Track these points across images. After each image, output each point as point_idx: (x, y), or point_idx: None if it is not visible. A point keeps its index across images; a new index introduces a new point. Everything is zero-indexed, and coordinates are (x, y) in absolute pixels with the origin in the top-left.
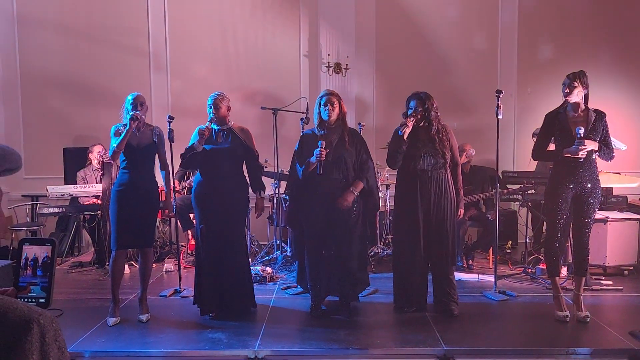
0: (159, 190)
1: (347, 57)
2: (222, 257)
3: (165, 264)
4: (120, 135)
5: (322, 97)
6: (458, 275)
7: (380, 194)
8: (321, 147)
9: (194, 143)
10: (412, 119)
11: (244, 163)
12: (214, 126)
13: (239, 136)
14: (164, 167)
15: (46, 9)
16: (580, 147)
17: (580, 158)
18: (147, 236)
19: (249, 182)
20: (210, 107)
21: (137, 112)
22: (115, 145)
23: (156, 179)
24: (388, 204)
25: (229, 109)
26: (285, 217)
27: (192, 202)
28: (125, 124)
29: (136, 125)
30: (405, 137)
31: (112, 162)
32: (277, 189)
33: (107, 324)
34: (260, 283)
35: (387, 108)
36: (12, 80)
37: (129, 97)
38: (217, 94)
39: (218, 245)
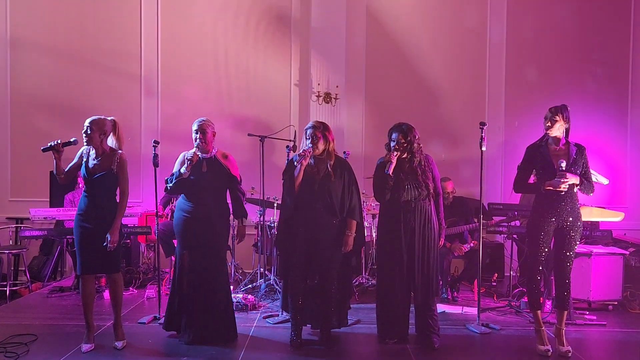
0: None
1: (337, 87)
2: (202, 284)
3: (147, 290)
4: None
5: (306, 129)
6: (442, 307)
7: (365, 223)
8: (306, 150)
9: (180, 169)
10: (395, 154)
11: (227, 190)
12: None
13: (223, 164)
14: (120, 193)
15: (40, 32)
16: (562, 180)
17: (562, 191)
18: (112, 262)
19: (231, 209)
20: (197, 132)
21: (57, 141)
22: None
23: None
24: (373, 234)
25: (214, 134)
26: (275, 237)
27: (173, 227)
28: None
29: (61, 154)
30: (391, 172)
31: None
32: (262, 216)
33: (82, 350)
34: (241, 311)
35: (375, 137)
36: (2, 101)
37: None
38: (203, 119)
39: (198, 271)
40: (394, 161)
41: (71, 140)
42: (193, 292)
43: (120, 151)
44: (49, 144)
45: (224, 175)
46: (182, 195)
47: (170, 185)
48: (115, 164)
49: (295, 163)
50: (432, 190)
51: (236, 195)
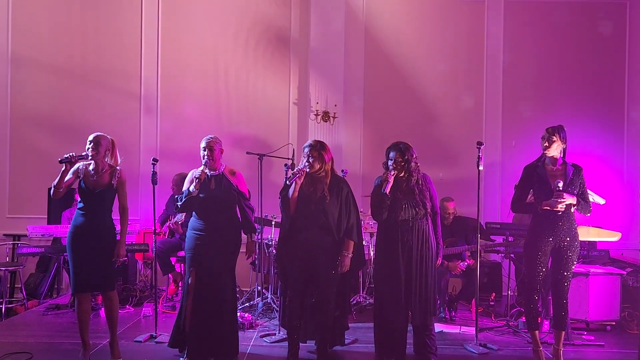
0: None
1: (336, 105)
2: (210, 300)
3: (144, 308)
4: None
5: (304, 148)
6: (440, 327)
7: (364, 242)
8: (301, 168)
9: (188, 187)
10: (392, 173)
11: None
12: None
13: (231, 181)
14: (121, 209)
15: (41, 50)
16: (559, 200)
17: (559, 211)
18: (106, 279)
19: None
20: (205, 150)
21: (72, 154)
22: (54, 182)
23: (114, 221)
24: (371, 253)
25: (221, 152)
26: (275, 252)
27: (186, 243)
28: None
29: (71, 166)
30: (388, 191)
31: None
32: (260, 235)
33: None
34: (238, 330)
35: (373, 156)
36: (1, 118)
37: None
38: (211, 137)
39: (207, 288)
40: (391, 180)
41: (83, 154)
42: (200, 309)
43: (119, 167)
44: (65, 156)
45: (233, 191)
46: (194, 213)
47: (180, 203)
48: (116, 179)
49: (288, 182)
50: (429, 209)
51: (244, 210)
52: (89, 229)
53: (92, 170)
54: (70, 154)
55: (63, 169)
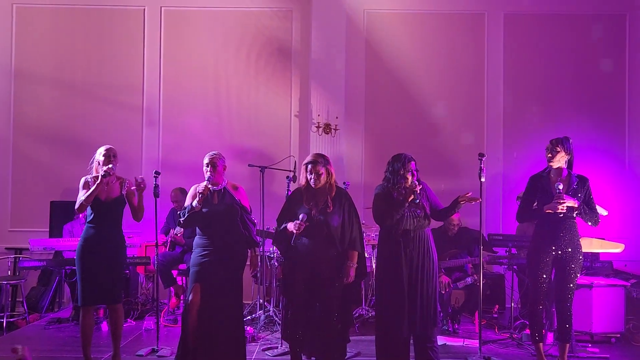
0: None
1: (337, 117)
2: (216, 316)
3: (146, 322)
4: (89, 188)
5: (307, 164)
6: (443, 340)
7: (365, 254)
8: (301, 221)
9: (191, 202)
10: (420, 187)
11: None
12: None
13: (234, 196)
14: (135, 215)
15: (43, 64)
16: (559, 201)
17: (560, 213)
18: (115, 292)
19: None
20: (208, 166)
21: (110, 167)
22: (82, 198)
23: (123, 233)
24: (373, 265)
25: (224, 168)
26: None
27: (191, 259)
28: (96, 177)
29: (107, 180)
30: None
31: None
32: (262, 247)
33: None
34: None
35: (375, 168)
36: (4, 132)
37: (101, 149)
38: (215, 153)
39: (214, 303)
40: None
41: (110, 166)
42: (206, 324)
43: (127, 179)
44: (105, 170)
45: (235, 206)
46: (197, 230)
47: (183, 219)
48: (125, 189)
49: (292, 227)
50: (428, 212)
51: (247, 225)
52: (99, 240)
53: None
54: (109, 165)
55: (98, 182)
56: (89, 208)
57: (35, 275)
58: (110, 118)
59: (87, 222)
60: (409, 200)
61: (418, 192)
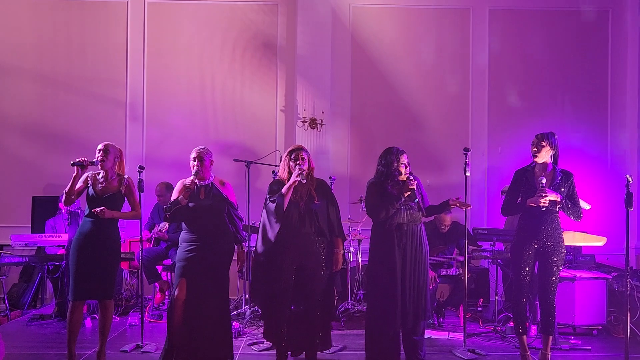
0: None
1: (323, 112)
2: (203, 310)
3: (130, 318)
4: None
5: (292, 151)
6: (428, 333)
7: (351, 248)
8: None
9: (178, 197)
10: (415, 182)
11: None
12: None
13: (221, 191)
14: (133, 210)
15: (25, 58)
16: (542, 195)
17: (543, 207)
18: (107, 287)
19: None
20: (195, 160)
21: (85, 159)
22: (66, 189)
23: (119, 229)
24: (360, 259)
25: (211, 162)
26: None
27: (177, 254)
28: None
29: (83, 172)
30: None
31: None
32: (247, 242)
33: None
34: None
35: (361, 162)
36: None
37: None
38: (202, 148)
39: (201, 298)
40: (414, 185)
41: (93, 160)
42: (193, 319)
43: (127, 176)
44: (77, 160)
45: (222, 201)
46: (184, 225)
47: (169, 213)
48: (124, 187)
49: (299, 178)
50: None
51: (233, 220)
52: (95, 235)
53: (101, 178)
54: (82, 158)
55: (74, 174)
56: (87, 203)
57: (17, 272)
58: (93, 112)
59: (85, 216)
60: (406, 196)
61: (415, 188)
